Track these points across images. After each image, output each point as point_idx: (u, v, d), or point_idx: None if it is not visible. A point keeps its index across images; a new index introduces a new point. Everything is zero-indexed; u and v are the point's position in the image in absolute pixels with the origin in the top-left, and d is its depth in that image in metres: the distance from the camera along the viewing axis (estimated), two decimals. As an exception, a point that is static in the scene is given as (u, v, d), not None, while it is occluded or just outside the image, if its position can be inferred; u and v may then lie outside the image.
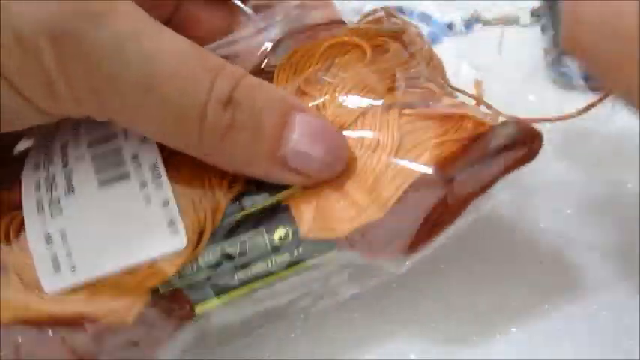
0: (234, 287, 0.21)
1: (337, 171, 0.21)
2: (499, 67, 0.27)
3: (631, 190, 0.28)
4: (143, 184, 0.20)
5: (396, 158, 0.21)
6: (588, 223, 0.27)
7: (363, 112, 0.22)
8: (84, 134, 0.21)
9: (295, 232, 0.21)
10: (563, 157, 0.28)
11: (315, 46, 0.25)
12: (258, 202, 0.21)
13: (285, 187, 0.21)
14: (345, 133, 0.22)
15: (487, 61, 0.27)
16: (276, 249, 0.21)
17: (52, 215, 0.20)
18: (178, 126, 0.19)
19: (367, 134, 0.22)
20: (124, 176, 0.20)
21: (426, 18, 0.40)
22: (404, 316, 0.25)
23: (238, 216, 0.21)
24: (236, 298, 0.21)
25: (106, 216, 0.20)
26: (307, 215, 0.21)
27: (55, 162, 0.21)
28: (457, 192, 0.21)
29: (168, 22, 0.26)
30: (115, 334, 0.20)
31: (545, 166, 0.24)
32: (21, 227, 0.20)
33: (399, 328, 0.25)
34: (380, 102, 0.23)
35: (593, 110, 0.24)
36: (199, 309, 0.21)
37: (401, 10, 0.41)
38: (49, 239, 0.20)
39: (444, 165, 0.21)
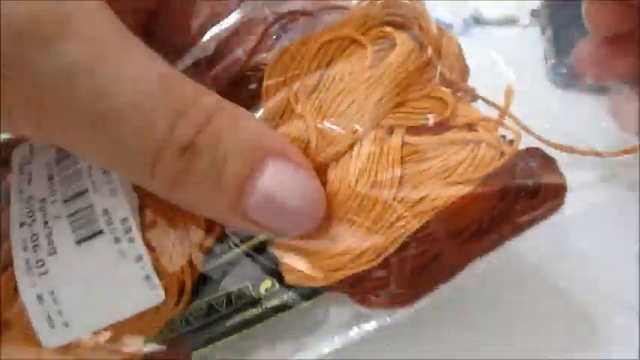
0: (225, 334, 0.21)
1: (307, 228, 0.19)
2: (498, 67, 0.24)
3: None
4: (117, 240, 0.20)
5: (396, 201, 0.19)
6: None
7: (360, 137, 0.19)
8: (59, 189, 0.21)
9: (281, 283, 0.20)
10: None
11: (309, 42, 0.21)
12: (238, 246, 0.20)
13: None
14: (339, 165, 0.19)
15: (486, 61, 0.23)
16: (264, 297, 0.20)
17: (39, 276, 0.20)
18: (128, 167, 0.18)
19: (363, 167, 0.19)
20: (98, 233, 0.20)
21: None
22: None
23: (221, 262, 0.20)
24: (229, 342, 0.21)
25: (86, 274, 0.20)
26: (294, 264, 0.20)
27: (37, 220, 0.21)
28: (461, 248, 0.18)
29: (153, 13, 0.24)
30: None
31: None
32: (20, 283, 0.21)
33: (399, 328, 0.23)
34: (382, 125, 0.19)
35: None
36: (194, 354, 0.21)
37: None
38: (40, 299, 0.20)
39: (450, 216, 0.18)
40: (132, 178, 0.19)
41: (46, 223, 0.21)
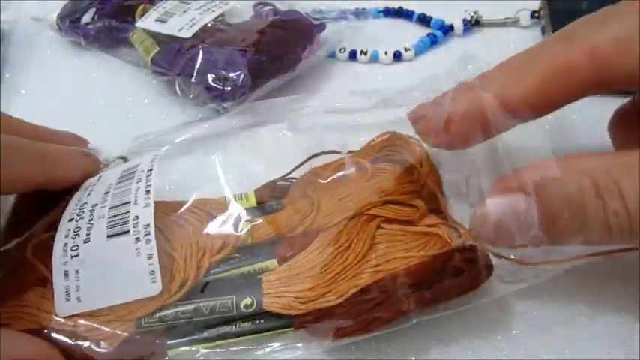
0: (202, 341, 0.26)
1: None
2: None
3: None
4: (137, 239, 0.26)
5: (361, 262, 0.26)
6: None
7: (350, 217, 0.27)
8: (109, 199, 0.28)
9: (259, 302, 0.26)
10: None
11: (327, 165, 0.31)
12: (238, 267, 0.27)
13: (264, 259, 0.27)
14: (329, 230, 0.27)
15: (487, 62, 0.27)
16: (241, 315, 0.26)
17: (71, 257, 0.26)
18: None
19: (346, 236, 0.27)
20: (125, 232, 0.26)
21: (426, 20, 0.42)
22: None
23: (217, 277, 0.27)
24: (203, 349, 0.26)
25: (107, 262, 0.26)
26: (273, 290, 0.26)
27: (85, 218, 0.27)
28: (404, 302, 0.24)
29: None
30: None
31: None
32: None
33: (399, 329, 0.26)
34: (367, 213, 0.27)
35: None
36: (171, 352, 0.26)
37: (401, 11, 0.42)
38: (66, 274, 0.26)
39: (396, 276, 0.25)
40: None
41: (90, 220, 0.27)
